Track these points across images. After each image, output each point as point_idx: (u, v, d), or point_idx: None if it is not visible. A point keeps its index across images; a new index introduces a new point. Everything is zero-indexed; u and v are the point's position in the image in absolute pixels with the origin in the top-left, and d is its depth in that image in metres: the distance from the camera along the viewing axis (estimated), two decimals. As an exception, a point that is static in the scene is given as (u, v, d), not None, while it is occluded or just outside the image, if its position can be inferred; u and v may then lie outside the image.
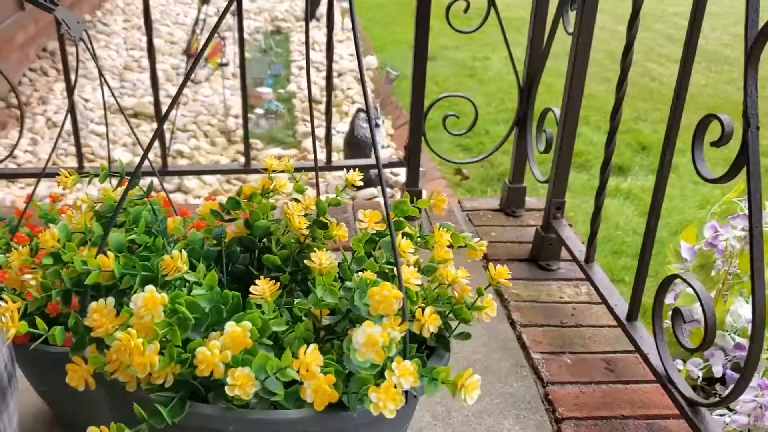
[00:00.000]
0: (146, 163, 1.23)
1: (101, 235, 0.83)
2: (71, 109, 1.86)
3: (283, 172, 1.00)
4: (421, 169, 3.49)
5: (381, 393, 0.65)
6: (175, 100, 0.76)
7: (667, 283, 1.22)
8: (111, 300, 0.70)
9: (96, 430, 0.65)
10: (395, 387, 0.67)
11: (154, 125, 1.89)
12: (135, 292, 0.70)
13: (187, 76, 0.79)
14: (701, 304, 1.10)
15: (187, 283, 0.75)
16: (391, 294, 0.69)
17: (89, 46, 1.08)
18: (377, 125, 3.77)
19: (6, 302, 0.73)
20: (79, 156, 1.94)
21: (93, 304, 0.69)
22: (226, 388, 0.64)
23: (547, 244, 1.79)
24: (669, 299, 1.67)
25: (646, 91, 5.03)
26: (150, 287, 0.67)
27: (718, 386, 1.64)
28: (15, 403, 0.93)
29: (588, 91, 5.33)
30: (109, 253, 0.75)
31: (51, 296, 0.79)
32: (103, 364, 0.68)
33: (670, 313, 1.22)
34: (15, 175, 1.94)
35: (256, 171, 2.02)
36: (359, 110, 3.86)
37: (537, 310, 1.66)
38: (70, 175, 1.03)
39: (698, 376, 1.58)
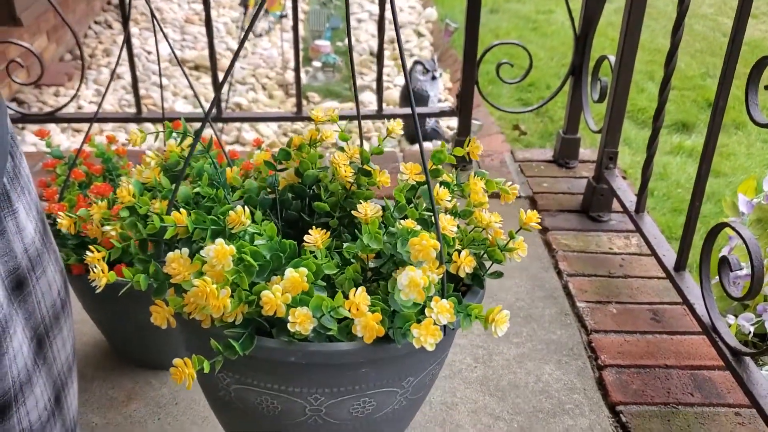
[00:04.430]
0: (201, 110, 1.26)
1: (170, 190, 0.91)
2: (130, 59, 1.91)
3: (329, 122, 1.02)
4: (477, 122, 3.47)
5: (422, 329, 0.72)
6: (237, 54, 0.77)
7: (715, 231, 1.19)
8: (185, 250, 0.78)
9: (180, 362, 0.72)
10: (434, 324, 0.73)
11: (215, 78, 1.94)
12: (206, 244, 0.78)
13: (248, 29, 0.80)
14: (749, 252, 1.08)
15: (247, 234, 0.82)
16: (429, 244, 0.75)
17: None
18: (434, 78, 3.74)
19: (93, 252, 0.81)
20: (138, 103, 2.00)
21: (170, 254, 0.77)
22: (288, 325, 0.71)
23: (598, 195, 1.77)
24: (724, 253, 1.63)
25: (716, 46, 4.82)
26: (220, 240, 0.74)
27: (771, 342, 1.61)
28: (69, 329, 0.98)
29: (655, 45, 5.12)
30: (182, 209, 0.82)
31: (130, 245, 0.88)
32: (182, 306, 0.76)
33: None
34: (71, 119, 2.01)
35: (308, 119, 2.04)
36: (416, 62, 3.83)
37: (585, 260, 1.65)
38: (141, 133, 1.13)
39: (749, 332, 1.55)
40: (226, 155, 1.19)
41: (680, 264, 1.36)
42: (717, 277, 1.33)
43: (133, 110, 2.07)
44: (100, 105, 1.25)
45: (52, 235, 0.95)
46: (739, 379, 1.14)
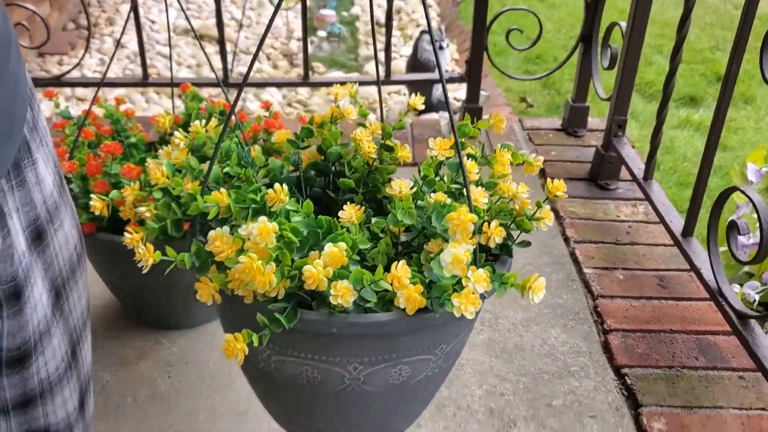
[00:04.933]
0: (211, 75, 1.26)
1: (201, 170, 0.94)
2: (137, 25, 1.90)
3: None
4: (484, 93, 3.45)
5: (462, 298, 0.74)
6: (268, 28, 0.76)
7: (725, 195, 1.19)
8: (226, 229, 0.79)
9: (231, 338, 0.74)
10: (473, 293, 0.74)
11: (218, 47, 1.95)
12: (239, 223, 0.80)
13: (276, 10, 0.80)
14: (758, 216, 1.08)
15: (281, 210, 0.84)
16: (467, 218, 0.77)
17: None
18: (441, 48, 3.71)
19: (131, 233, 0.83)
20: (144, 69, 1.99)
21: (212, 233, 0.78)
22: (330, 298, 0.73)
23: (606, 163, 1.76)
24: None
25: (727, 19, 4.78)
26: (263, 218, 0.76)
27: (776, 310, 1.62)
28: (84, 284, 0.99)
29: (664, 18, 5.08)
30: (222, 189, 0.83)
31: (166, 225, 0.90)
32: (225, 283, 0.78)
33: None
34: (78, 84, 2.01)
35: (315, 85, 2.03)
36: (423, 32, 3.81)
37: (592, 227, 1.65)
38: (167, 115, 1.15)
39: (755, 300, 1.56)
40: (236, 118, 1.20)
41: (688, 229, 1.36)
42: (724, 246, 1.34)
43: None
44: (107, 68, 1.24)
45: (68, 189, 0.96)
46: (744, 342, 1.15)
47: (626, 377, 1.25)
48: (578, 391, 1.23)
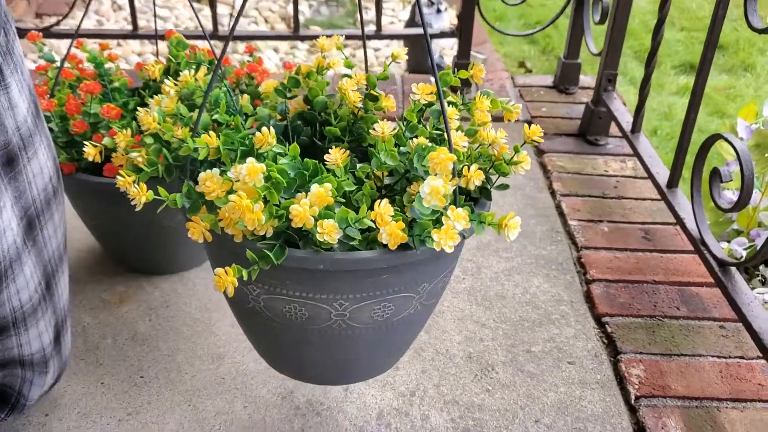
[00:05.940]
0: (197, 26, 1.24)
1: (191, 117, 0.96)
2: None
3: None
4: (481, 55, 3.42)
5: (441, 233, 0.77)
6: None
7: (709, 143, 1.18)
8: (216, 170, 0.82)
9: (221, 271, 0.76)
10: (452, 229, 0.78)
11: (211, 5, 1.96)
12: (227, 169, 0.82)
13: None
14: (739, 161, 1.07)
15: (269, 154, 0.86)
16: (447, 157, 0.79)
17: None
18: (439, 11, 3.68)
19: (124, 177, 0.84)
20: (134, 20, 1.97)
21: (203, 174, 0.81)
22: (317, 236, 0.76)
23: (596, 118, 1.75)
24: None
25: (730, -13, 4.72)
26: (251, 159, 0.78)
27: (762, 267, 1.62)
28: (61, 218, 0.98)
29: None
30: (211, 133, 0.86)
31: (158, 169, 0.92)
32: (216, 222, 0.81)
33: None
34: (66, 35, 2.01)
35: (304, 38, 2.02)
36: (421, -4, 3.77)
37: (580, 181, 1.64)
38: (157, 64, 1.18)
39: (741, 256, 1.55)
40: (219, 64, 1.19)
41: (673, 181, 1.36)
42: (711, 203, 1.33)
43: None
44: (84, 14, 1.23)
45: (45, 121, 0.95)
46: (724, 290, 1.15)
47: (607, 326, 1.25)
48: (558, 339, 1.23)
